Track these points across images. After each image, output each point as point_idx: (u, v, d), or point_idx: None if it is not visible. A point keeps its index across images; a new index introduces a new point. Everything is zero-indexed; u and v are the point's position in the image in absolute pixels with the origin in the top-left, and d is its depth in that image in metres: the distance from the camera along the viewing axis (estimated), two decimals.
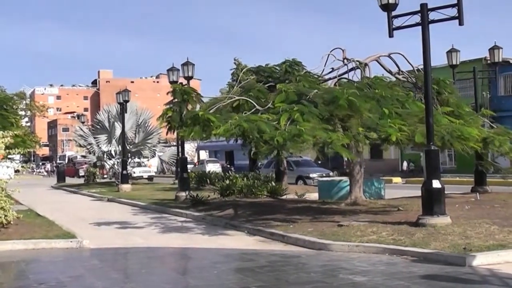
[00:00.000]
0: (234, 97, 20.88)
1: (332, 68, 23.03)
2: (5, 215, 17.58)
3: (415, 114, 18.62)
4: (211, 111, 18.92)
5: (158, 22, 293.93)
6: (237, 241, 17.01)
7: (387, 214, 19.25)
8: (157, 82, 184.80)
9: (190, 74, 29.01)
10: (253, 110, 18.72)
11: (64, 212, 26.68)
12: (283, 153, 19.06)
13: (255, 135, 16.72)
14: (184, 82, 28.02)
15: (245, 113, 18.37)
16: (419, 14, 16.44)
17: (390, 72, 23.25)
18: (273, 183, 30.26)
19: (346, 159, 48.63)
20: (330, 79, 22.98)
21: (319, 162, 49.97)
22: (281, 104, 17.84)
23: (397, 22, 17.05)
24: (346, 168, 47.73)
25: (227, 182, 29.58)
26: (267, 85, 23.44)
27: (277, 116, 17.18)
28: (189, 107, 22.43)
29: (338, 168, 52.25)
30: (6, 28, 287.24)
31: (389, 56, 23.34)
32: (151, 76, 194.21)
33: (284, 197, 28.11)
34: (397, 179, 47.49)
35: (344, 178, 26.99)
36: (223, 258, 14.47)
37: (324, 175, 42.01)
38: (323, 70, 23.11)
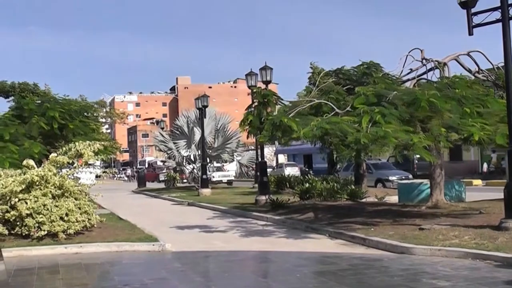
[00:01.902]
0: (314, 100, 20.86)
1: (411, 69, 22.84)
2: (89, 219, 18.01)
3: (496, 113, 18.23)
4: (290, 115, 18.91)
5: (234, 28, 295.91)
6: (318, 244, 17.00)
7: (469, 218, 18.98)
8: (234, 87, 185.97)
9: (268, 78, 29.16)
10: (333, 113, 18.64)
11: (146, 216, 27.06)
12: (364, 156, 18.89)
13: (337, 138, 16.63)
14: (263, 86, 28.18)
15: (326, 115, 18.31)
16: (499, 10, 16.13)
17: (469, 71, 22.88)
18: (353, 186, 30.09)
19: (416, 161, 48.26)
20: (408, 80, 22.79)
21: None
22: (361, 106, 17.70)
23: (476, 20, 16.82)
24: (416, 170, 47.09)
25: (307, 185, 29.57)
26: (345, 87, 23.37)
27: (357, 118, 17.06)
28: (268, 110, 22.54)
29: (408, 170, 51.43)
30: (86, 39, 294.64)
31: (468, 54, 22.98)
32: (228, 81, 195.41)
33: (363, 200, 27.96)
34: (477, 181, 46.47)
35: (424, 181, 26.65)
36: (304, 261, 14.48)
37: (403, 177, 41.51)
38: (401, 71, 22.96)
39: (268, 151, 78.42)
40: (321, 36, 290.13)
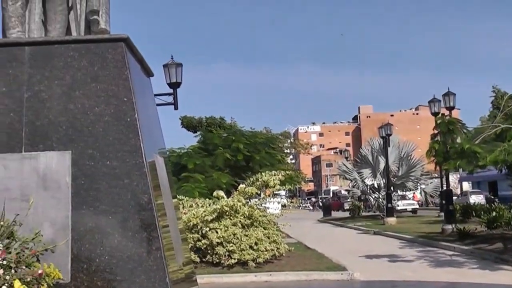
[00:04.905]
0: (499, 125, 20.44)
1: None
2: (277, 248, 18.50)
3: None
4: (476, 142, 18.63)
5: (414, 55, 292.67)
6: (509, 277, 16.54)
7: None
8: (416, 114, 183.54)
9: (451, 104, 28.70)
10: None
11: (332, 245, 27.18)
12: None
13: None
14: (446, 112, 27.85)
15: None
16: None
17: None
18: None
19: None
20: None
21: None
22: None
23: None
24: None
25: (493, 214, 28.70)
26: None
27: None
28: (453, 137, 22.28)
29: None
30: (271, 73, 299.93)
31: None
32: (410, 109, 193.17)
33: None
34: None
35: None
36: None
37: None
38: None
39: (452, 178, 76.54)
40: (503, 57, 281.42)
